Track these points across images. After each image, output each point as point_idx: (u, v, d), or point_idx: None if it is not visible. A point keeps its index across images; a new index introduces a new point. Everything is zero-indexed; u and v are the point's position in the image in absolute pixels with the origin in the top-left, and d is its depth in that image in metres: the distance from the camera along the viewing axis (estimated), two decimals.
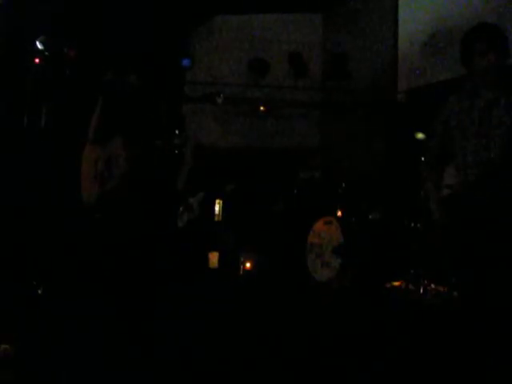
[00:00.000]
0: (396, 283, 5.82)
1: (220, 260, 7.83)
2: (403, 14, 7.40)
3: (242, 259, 7.40)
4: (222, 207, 8.07)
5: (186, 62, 8.30)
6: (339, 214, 6.45)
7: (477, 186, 3.06)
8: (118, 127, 3.98)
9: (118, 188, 3.95)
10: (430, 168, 3.47)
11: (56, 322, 4.12)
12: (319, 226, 6.37)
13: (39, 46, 6.73)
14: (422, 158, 3.63)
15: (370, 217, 6.21)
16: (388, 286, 5.82)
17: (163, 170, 4.14)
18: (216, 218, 8.07)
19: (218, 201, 8.07)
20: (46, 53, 6.76)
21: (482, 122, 3.10)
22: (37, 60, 6.82)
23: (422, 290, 5.47)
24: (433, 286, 5.49)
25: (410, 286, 5.60)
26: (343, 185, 6.62)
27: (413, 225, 5.75)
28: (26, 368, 3.38)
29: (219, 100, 8.35)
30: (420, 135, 6.05)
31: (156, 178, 4.08)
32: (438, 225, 3.34)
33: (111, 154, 3.98)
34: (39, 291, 5.19)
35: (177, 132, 4.02)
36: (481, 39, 3.22)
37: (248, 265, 7.36)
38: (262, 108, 8.50)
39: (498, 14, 5.85)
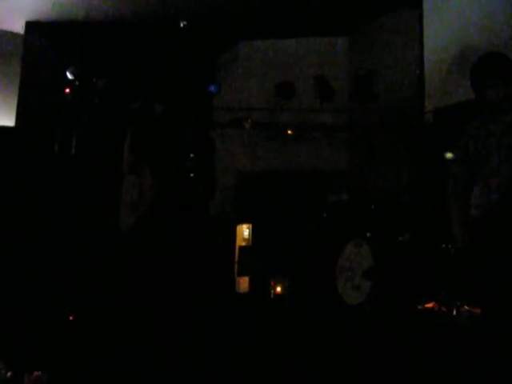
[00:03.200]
0: (428, 305, 5.73)
1: (250, 284, 7.82)
2: (429, 32, 7.38)
3: (272, 284, 7.38)
4: (252, 231, 8.07)
5: (213, 88, 8.39)
6: (369, 236, 6.39)
7: (501, 208, 3.03)
8: (146, 155, 4.05)
9: (147, 214, 4.02)
10: (454, 193, 3.45)
11: (88, 348, 4.15)
12: (349, 248, 6.33)
13: (69, 76, 6.88)
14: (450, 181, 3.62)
15: (401, 239, 6.14)
16: (420, 308, 5.73)
17: (192, 195, 4.17)
18: (245, 243, 8.08)
19: (246, 225, 8.08)
20: (76, 82, 6.91)
21: (502, 145, 3.09)
22: (67, 90, 6.97)
23: (455, 312, 5.38)
24: (466, 307, 5.39)
25: (443, 308, 5.51)
26: (372, 207, 6.57)
27: (444, 246, 5.67)
28: None
29: (247, 125, 8.41)
30: (449, 155, 6.00)
31: (186, 203, 4.12)
32: (462, 249, 3.32)
33: (142, 181, 4.06)
34: (70, 317, 5.23)
35: (191, 155, 4.06)
36: (487, 70, 3.23)
37: (278, 289, 7.33)
38: (289, 132, 8.53)
39: None
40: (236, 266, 7.99)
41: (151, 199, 3.98)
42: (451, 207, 3.48)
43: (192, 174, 4.03)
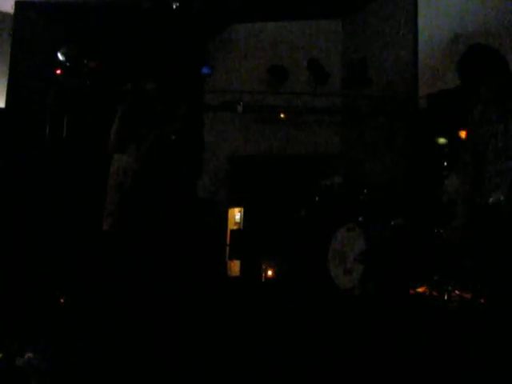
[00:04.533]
0: (420, 290, 5.76)
1: (241, 268, 7.82)
2: (423, 18, 7.36)
3: (263, 267, 7.39)
4: (243, 215, 8.07)
5: (205, 70, 8.32)
6: (361, 220, 6.40)
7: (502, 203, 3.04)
8: (133, 133, 4.02)
9: (131, 194, 3.99)
10: (463, 193, 3.43)
11: (78, 331, 4.14)
12: (342, 232, 6.33)
13: (60, 57, 6.80)
14: (445, 163, 3.61)
15: (393, 223, 6.15)
16: (412, 292, 5.75)
17: (178, 174, 4.15)
18: (237, 227, 8.07)
19: (238, 209, 8.07)
20: (67, 64, 6.83)
21: (499, 133, 3.09)
22: (58, 71, 6.89)
23: (446, 297, 5.40)
24: (457, 292, 5.42)
25: (434, 293, 5.54)
26: (365, 191, 6.57)
27: (436, 230, 5.69)
28: (50, 376, 3.39)
29: (239, 108, 8.36)
30: (441, 140, 6.01)
31: (171, 182, 4.09)
32: (461, 226, 3.33)
33: (127, 163, 4.03)
34: (62, 300, 5.22)
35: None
36: (475, 66, 3.22)
37: (270, 273, 7.34)
38: (281, 115, 8.50)
39: None
40: (227, 250, 7.99)
41: (134, 177, 3.95)
42: (459, 206, 3.46)
43: (178, 153, 4.00)
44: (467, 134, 3.45)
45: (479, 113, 3.26)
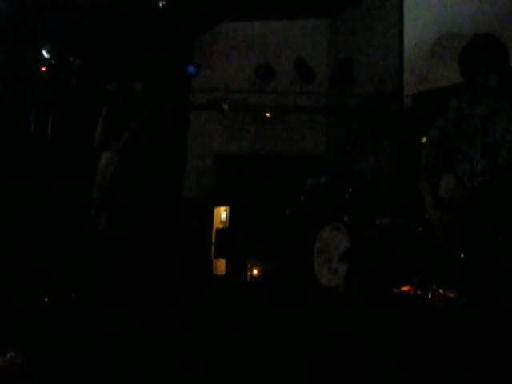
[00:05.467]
0: (404, 289, 5.79)
1: (227, 266, 7.82)
2: (408, 18, 7.41)
3: (249, 266, 7.39)
4: (229, 214, 8.07)
5: (191, 69, 8.30)
6: (346, 219, 6.42)
7: (485, 193, 3.04)
8: (118, 131, 4.00)
9: (110, 191, 3.97)
10: (427, 172, 3.44)
11: (62, 330, 4.12)
12: (327, 231, 6.35)
13: (45, 54, 6.76)
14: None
15: (378, 222, 6.17)
16: (396, 291, 5.78)
17: (161, 171, 4.13)
18: (223, 225, 8.07)
19: (224, 208, 8.07)
20: (52, 61, 6.80)
21: (487, 130, 3.07)
22: (43, 68, 6.85)
23: (429, 296, 5.43)
24: (441, 291, 5.45)
25: (418, 292, 5.57)
26: (350, 190, 6.59)
27: (420, 230, 5.72)
28: (33, 376, 3.37)
29: (225, 107, 8.35)
30: (427, 139, 6.03)
31: (154, 179, 4.08)
32: (434, 225, 3.36)
33: (107, 160, 4.01)
34: (46, 299, 5.19)
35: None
36: (480, 56, 3.19)
37: (255, 271, 7.35)
38: (268, 114, 8.50)
39: (502, 19, 5.87)
40: (213, 249, 7.99)
41: (114, 173, 3.92)
42: (423, 186, 3.47)
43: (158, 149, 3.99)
44: (438, 124, 3.43)
45: (466, 107, 3.23)
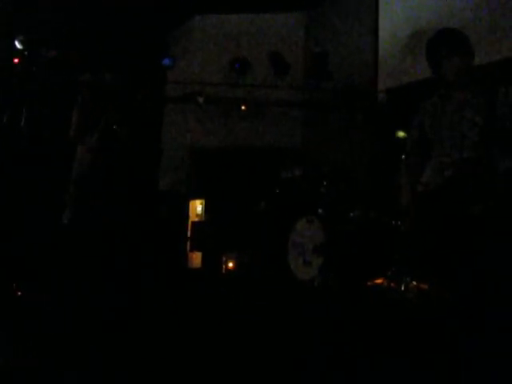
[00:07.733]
0: (378, 281, 5.83)
1: (202, 260, 7.83)
2: (383, 13, 7.45)
3: (224, 259, 7.40)
4: (205, 207, 8.06)
5: (166, 62, 8.26)
6: (321, 212, 6.45)
7: (452, 185, 3.10)
8: (92, 124, 3.99)
9: (85, 184, 3.97)
10: (406, 166, 3.53)
11: (36, 323, 4.10)
12: (301, 224, 6.38)
13: (18, 45, 6.66)
14: (402, 157, 3.69)
15: (352, 215, 6.22)
16: (370, 284, 5.83)
17: (141, 170, 4.13)
18: (198, 218, 8.07)
19: (199, 201, 8.06)
20: (25, 53, 6.70)
21: (455, 123, 3.15)
22: (16, 60, 6.75)
23: (403, 288, 5.48)
24: (414, 283, 5.50)
25: (392, 284, 5.62)
26: (325, 183, 6.62)
27: (394, 222, 5.77)
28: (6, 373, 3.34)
29: (200, 100, 8.33)
30: (401, 134, 6.09)
31: (133, 178, 4.07)
32: (408, 217, 3.43)
33: (82, 154, 4.00)
34: (19, 293, 5.14)
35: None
36: (444, 44, 3.30)
37: (231, 264, 7.36)
38: (243, 107, 8.50)
39: (474, 13, 5.98)
40: (189, 242, 7.99)
41: (88, 168, 3.92)
42: (403, 183, 3.56)
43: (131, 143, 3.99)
44: (415, 122, 3.51)
45: (438, 101, 3.31)
